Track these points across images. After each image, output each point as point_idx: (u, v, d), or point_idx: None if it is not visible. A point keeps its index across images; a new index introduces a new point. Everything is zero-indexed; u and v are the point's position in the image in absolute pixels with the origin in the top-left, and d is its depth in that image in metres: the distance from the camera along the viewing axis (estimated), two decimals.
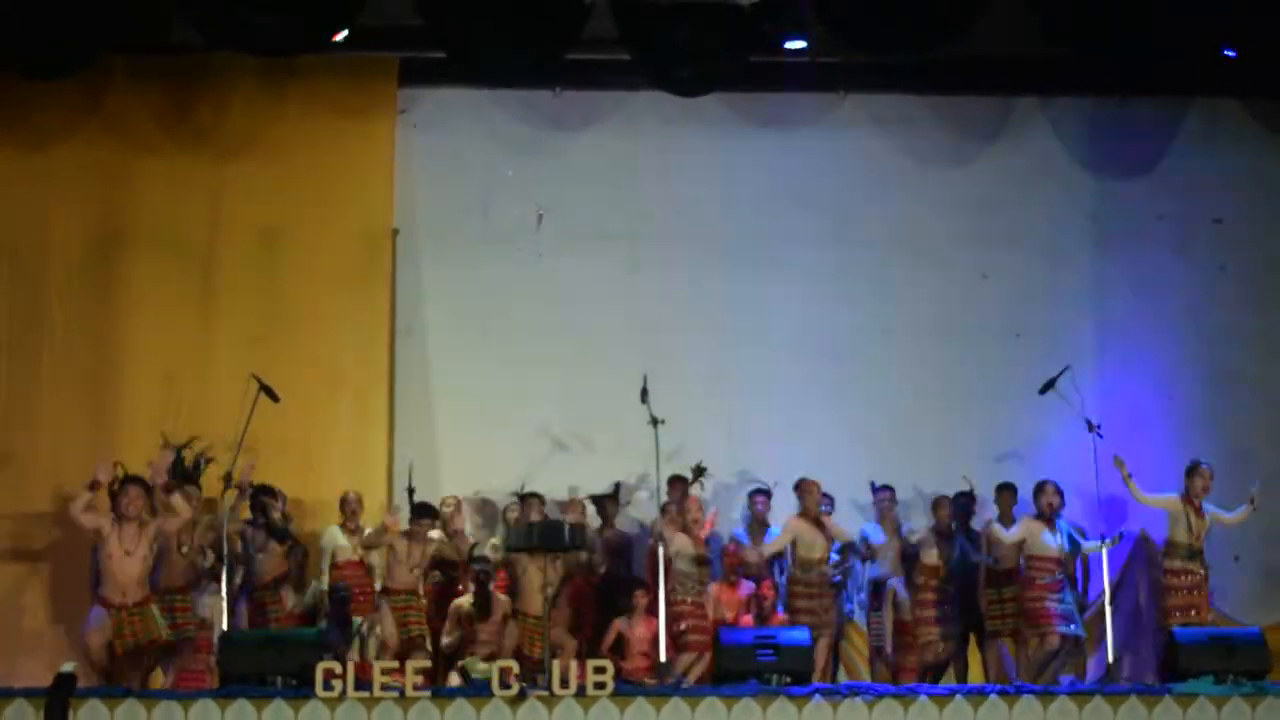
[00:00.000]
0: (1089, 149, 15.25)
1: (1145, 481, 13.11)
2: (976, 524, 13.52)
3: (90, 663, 11.81)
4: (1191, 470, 13.11)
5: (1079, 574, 13.44)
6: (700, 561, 13.07)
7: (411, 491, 13.11)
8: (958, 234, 15.12)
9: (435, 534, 13.05)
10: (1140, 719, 11.50)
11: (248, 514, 13.00)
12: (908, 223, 15.11)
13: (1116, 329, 15.01)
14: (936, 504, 13.53)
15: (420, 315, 14.75)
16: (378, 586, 13.11)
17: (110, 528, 11.87)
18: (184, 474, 12.73)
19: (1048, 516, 12.97)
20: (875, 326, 14.95)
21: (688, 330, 14.81)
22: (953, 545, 13.41)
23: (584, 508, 13.71)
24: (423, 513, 12.88)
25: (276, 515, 12.96)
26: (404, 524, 12.95)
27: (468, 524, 13.84)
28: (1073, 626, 12.86)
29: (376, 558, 13.19)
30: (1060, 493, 13.05)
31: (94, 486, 11.91)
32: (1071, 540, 13.09)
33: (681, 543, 12.95)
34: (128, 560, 11.87)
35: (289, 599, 13.09)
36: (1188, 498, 13.02)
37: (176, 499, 12.15)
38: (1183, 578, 12.90)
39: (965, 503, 13.60)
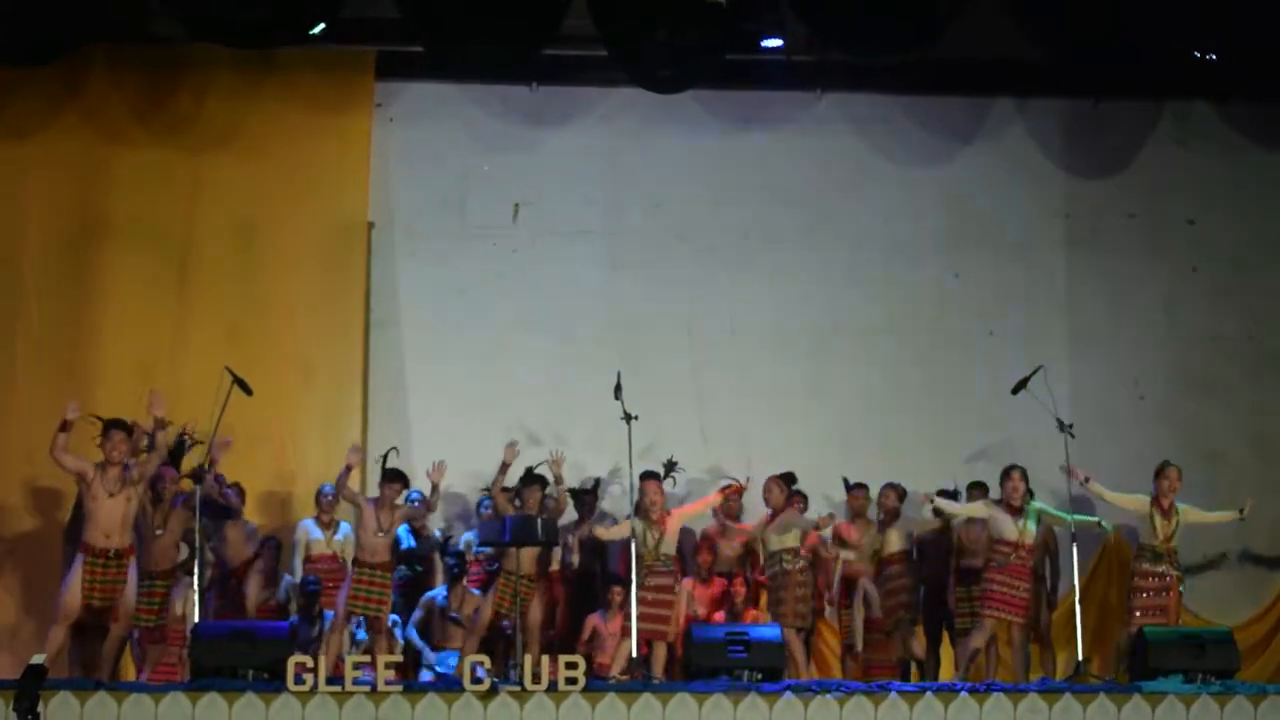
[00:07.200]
0: (1064, 150, 15.33)
1: (1116, 483, 13.07)
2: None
3: (64, 620, 11.67)
4: (1159, 471, 12.98)
5: (1047, 571, 13.45)
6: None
7: (385, 459, 12.70)
8: (932, 234, 15.19)
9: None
10: (1110, 717, 11.56)
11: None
12: (883, 222, 15.17)
13: (1089, 329, 15.10)
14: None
15: (395, 309, 14.75)
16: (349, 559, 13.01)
17: (94, 471, 11.82)
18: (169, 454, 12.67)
19: (1012, 503, 12.83)
20: (849, 325, 15.02)
21: (662, 326, 14.85)
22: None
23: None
24: (393, 478, 12.55)
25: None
26: (373, 490, 12.83)
27: (439, 518, 13.85)
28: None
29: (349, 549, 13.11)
30: (1025, 479, 12.86)
31: (64, 427, 11.80)
32: (1040, 516, 12.89)
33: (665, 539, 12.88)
34: (110, 502, 11.77)
35: (254, 591, 13.00)
36: (1156, 499, 12.76)
37: (159, 437, 11.94)
38: (1149, 580, 12.65)
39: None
